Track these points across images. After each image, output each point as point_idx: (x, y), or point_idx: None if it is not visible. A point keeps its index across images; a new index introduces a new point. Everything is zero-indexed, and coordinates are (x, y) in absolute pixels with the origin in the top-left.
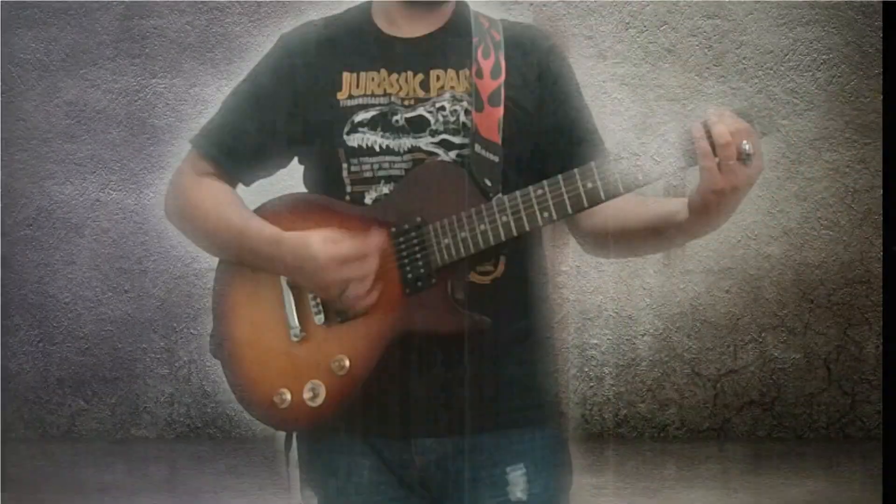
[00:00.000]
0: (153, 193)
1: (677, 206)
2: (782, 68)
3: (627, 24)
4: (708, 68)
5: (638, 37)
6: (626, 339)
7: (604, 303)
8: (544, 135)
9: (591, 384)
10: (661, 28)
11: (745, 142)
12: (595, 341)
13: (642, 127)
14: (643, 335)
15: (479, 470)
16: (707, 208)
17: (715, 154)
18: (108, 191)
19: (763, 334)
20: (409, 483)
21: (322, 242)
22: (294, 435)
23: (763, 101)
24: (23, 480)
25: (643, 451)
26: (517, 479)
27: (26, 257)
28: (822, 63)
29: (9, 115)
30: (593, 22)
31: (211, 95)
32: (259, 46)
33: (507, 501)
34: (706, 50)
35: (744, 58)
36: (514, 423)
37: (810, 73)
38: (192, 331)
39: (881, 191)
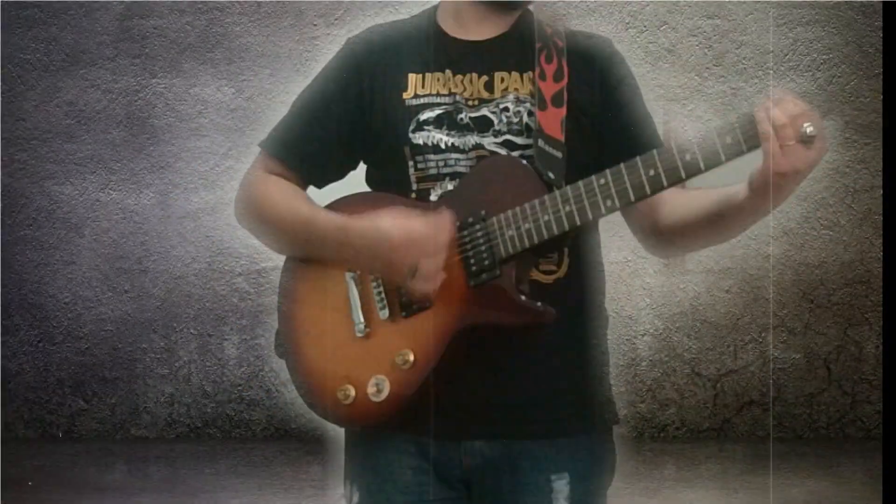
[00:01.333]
0: (153, 193)
1: (736, 189)
2: (782, 68)
3: (627, 24)
4: (708, 68)
5: (638, 37)
6: (626, 339)
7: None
8: (606, 140)
9: None
10: (661, 28)
11: (806, 124)
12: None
13: None
14: (643, 335)
15: (524, 475)
16: (767, 189)
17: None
18: (108, 191)
19: (763, 334)
20: (451, 483)
21: (393, 221)
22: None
23: (763, 101)
24: (23, 480)
25: (643, 451)
26: (561, 488)
27: (26, 257)
28: (822, 63)
29: (9, 115)
30: (593, 22)
31: (211, 95)
32: (259, 46)
33: None
34: (706, 50)
35: (744, 58)
36: (564, 430)
37: (810, 73)
38: (192, 331)
39: (881, 191)
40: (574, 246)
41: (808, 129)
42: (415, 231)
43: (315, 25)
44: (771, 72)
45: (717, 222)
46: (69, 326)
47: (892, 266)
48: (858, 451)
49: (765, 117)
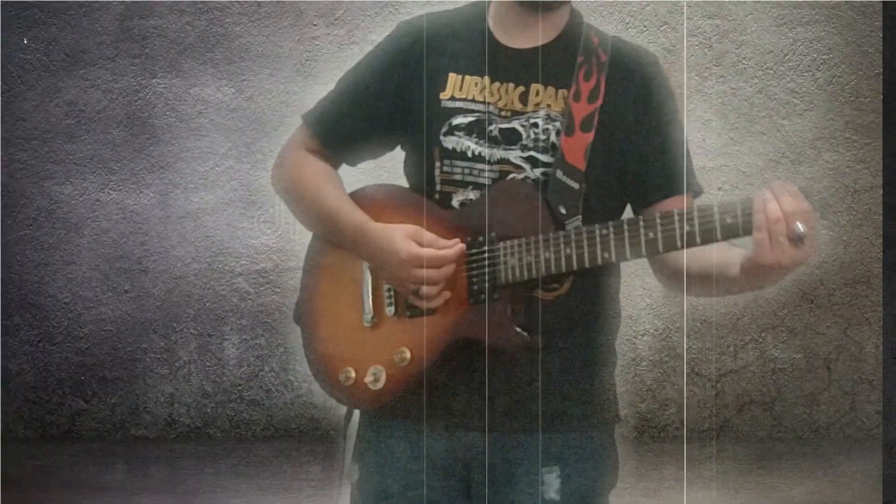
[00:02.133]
0: (153, 193)
1: (732, 260)
2: (782, 68)
3: (627, 24)
4: (708, 68)
5: (638, 37)
6: (626, 339)
7: None
8: (633, 160)
9: None
10: (661, 28)
11: (799, 223)
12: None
13: None
14: (643, 335)
15: (516, 468)
16: (754, 274)
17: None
18: (108, 191)
19: (763, 334)
20: (450, 473)
21: (405, 238)
22: (353, 411)
23: (763, 101)
24: (23, 480)
25: (643, 451)
26: (551, 480)
27: (26, 257)
28: (822, 63)
29: (9, 115)
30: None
31: (211, 95)
32: (259, 46)
33: (539, 501)
34: (706, 50)
35: (744, 58)
36: (560, 426)
37: (810, 73)
38: (192, 331)
39: (881, 191)
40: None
41: (800, 228)
42: (421, 256)
43: (315, 25)
44: (771, 72)
45: (714, 283)
46: (69, 326)
47: (892, 266)
48: (858, 451)
49: (761, 208)
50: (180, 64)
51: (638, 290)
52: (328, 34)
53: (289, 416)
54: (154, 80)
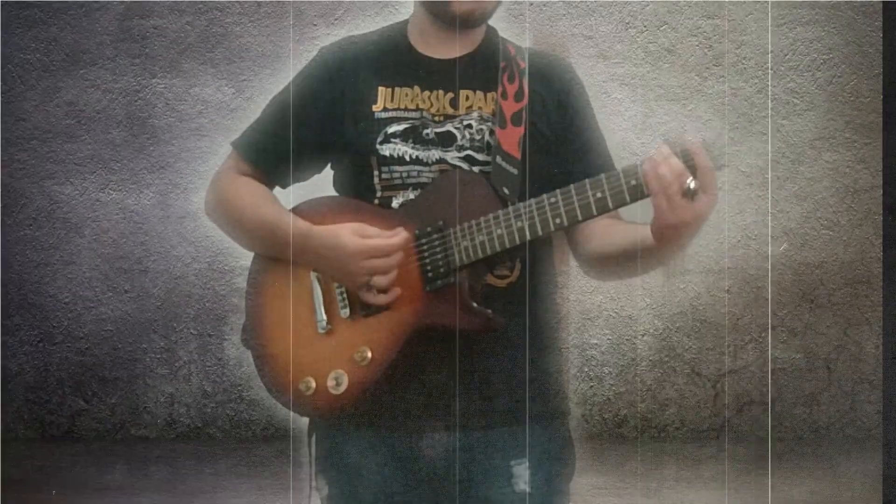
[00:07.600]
0: (153, 193)
1: (645, 233)
2: (782, 68)
3: (627, 24)
4: (708, 68)
5: (638, 37)
6: (626, 339)
7: (604, 303)
8: (562, 160)
9: (591, 384)
10: (661, 28)
11: (689, 180)
12: (595, 341)
13: (642, 127)
14: (643, 335)
15: (485, 463)
16: (663, 238)
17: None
18: (108, 191)
19: (763, 334)
20: (416, 476)
21: (351, 234)
22: (313, 423)
23: (763, 100)
24: (23, 480)
25: (643, 451)
26: (521, 473)
27: (26, 257)
28: (822, 63)
29: (9, 115)
30: (593, 22)
31: (211, 95)
32: (259, 46)
33: (511, 493)
34: (706, 50)
35: (744, 58)
36: (521, 419)
37: (810, 73)
38: (192, 331)
39: (881, 191)
40: (527, 254)
41: (691, 184)
42: (371, 247)
43: (315, 25)
44: (770, 72)
45: (629, 261)
46: (69, 326)
47: (892, 266)
48: (858, 451)
49: (652, 174)
50: (180, 64)
51: (638, 291)
52: (328, 34)
53: (289, 416)
54: (154, 80)
